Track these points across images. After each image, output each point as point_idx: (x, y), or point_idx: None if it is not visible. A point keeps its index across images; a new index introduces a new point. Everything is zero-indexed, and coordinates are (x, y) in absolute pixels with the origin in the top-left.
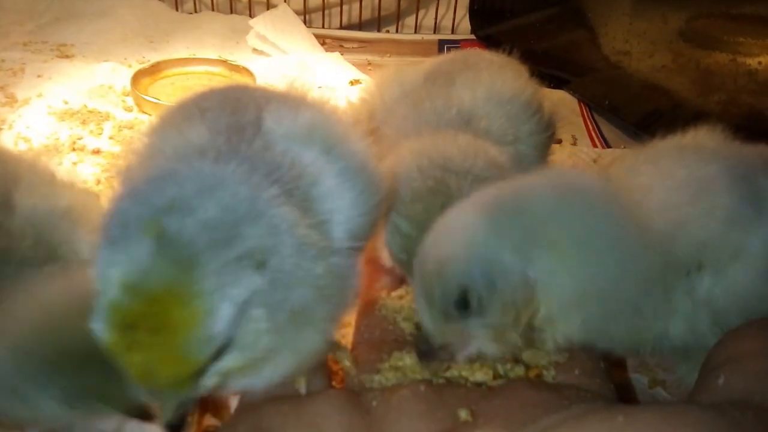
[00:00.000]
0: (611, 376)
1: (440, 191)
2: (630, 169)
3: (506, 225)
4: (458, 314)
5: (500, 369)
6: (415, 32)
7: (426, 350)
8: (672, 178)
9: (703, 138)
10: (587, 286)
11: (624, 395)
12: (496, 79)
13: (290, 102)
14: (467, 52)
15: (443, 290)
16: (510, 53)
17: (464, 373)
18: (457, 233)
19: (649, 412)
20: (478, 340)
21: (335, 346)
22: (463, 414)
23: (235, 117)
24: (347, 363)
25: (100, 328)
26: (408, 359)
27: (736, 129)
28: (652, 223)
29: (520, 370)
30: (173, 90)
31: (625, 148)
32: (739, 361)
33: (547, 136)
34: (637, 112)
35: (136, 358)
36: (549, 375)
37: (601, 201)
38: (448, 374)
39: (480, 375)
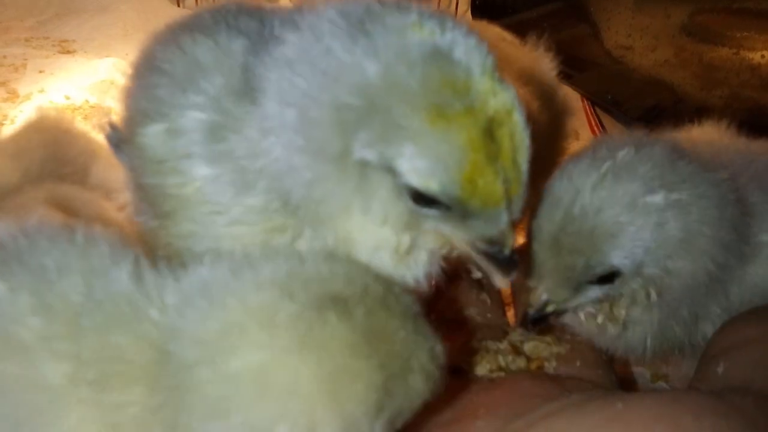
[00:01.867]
0: (612, 368)
1: None
2: None
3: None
4: (591, 284)
5: (502, 361)
6: None
7: (537, 317)
8: None
9: (710, 132)
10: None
11: (626, 389)
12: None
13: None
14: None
15: (589, 265)
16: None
17: (465, 366)
18: (613, 216)
19: (649, 398)
20: (591, 306)
21: None
22: None
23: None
24: None
25: None
26: None
27: (739, 124)
28: None
29: (521, 363)
30: None
31: None
32: (739, 349)
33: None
34: (640, 107)
35: None
36: (550, 367)
37: None
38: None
39: (481, 368)
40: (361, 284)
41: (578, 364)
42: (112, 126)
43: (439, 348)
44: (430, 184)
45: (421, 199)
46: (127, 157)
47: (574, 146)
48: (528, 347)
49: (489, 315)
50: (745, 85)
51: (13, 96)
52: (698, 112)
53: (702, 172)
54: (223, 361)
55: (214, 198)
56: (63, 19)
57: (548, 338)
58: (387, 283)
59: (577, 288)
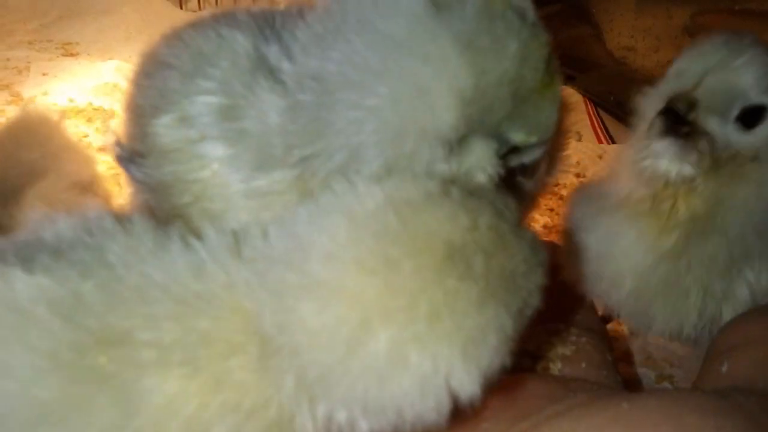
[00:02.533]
0: (617, 370)
1: None
2: None
3: None
4: (735, 123)
5: (506, 362)
6: None
7: (675, 118)
8: None
9: None
10: None
11: (631, 390)
12: None
13: None
14: None
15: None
16: None
17: None
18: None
19: (654, 398)
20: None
21: None
22: None
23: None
24: None
25: None
26: None
27: None
28: None
29: (527, 363)
30: None
31: None
32: (743, 348)
33: None
34: None
35: None
36: (555, 368)
37: None
38: None
39: None
40: (471, 217)
41: (583, 365)
42: (119, 143)
43: (544, 256)
44: (532, 139)
45: (513, 149)
46: (139, 167)
47: (577, 146)
48: (533, 348)
49: None
50: None
51: (16, 99)
52: None
53: None
54: (346, 354)
55: (233, 177)
56: (66, 21)
57: (553, 339)
58: (490, 198)
59: (726, 114)
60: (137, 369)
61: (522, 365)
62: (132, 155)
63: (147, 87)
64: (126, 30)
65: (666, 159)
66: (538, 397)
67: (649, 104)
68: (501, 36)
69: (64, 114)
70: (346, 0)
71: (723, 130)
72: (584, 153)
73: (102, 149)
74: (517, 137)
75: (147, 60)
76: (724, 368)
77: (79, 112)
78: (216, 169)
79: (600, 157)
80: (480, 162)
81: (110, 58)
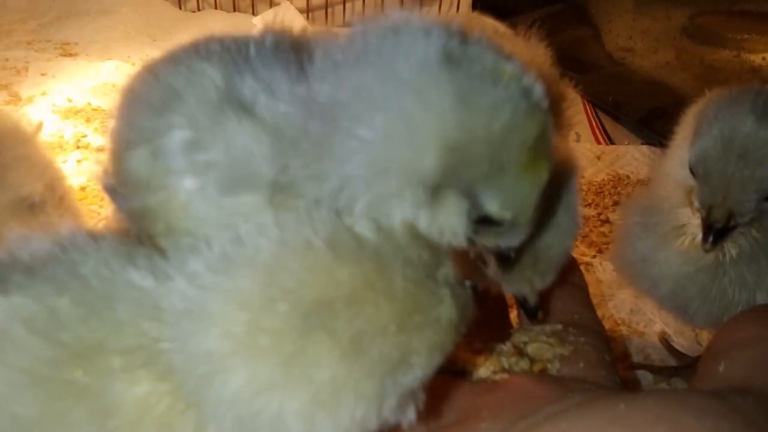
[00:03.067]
0: (615, 370)
1: None
2: None
3: None
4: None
5: (505, 363)
6: None
7: (724, 231)
8: None
9: None
10: None
11: (629, 390)
12: None
13: None
14: None
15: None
16: None
17: (468, 368)
18: None
19: (651, 399)
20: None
21: None
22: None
23: None
24: None
25: None
26: None
27: None
28: None
29: (524, 364)
30: None
31: (628, 144)
32: (739, 348)
33: None
34: (641, 109)
35: None
36: (553, 368)
37: None
38: (452, 369)
39: (484, 370)
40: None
41: (581, 365)
42: (106, 172)
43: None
44: (505, 214)
45: (485, 220)
46: (122, 197)
47: (575, 147)
48: (531, 349)
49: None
50: None
51: (15, 99)
52: None
53: None
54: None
55: (201, 207)
56: (65, 21)
57: (551, 339)
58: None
59: (759, 202)
60: (109, 377)
61: (520, 366)
62: (116, 185)
63: (123, 121)
64: (124, 30)
65: (709, 243)
66: (536, 398)
67: (676, 161)
68: (497, 102)
69: (40, 126)
70: (370, 34)
71: (758, 208)
72: (582, 153)
73: (101, 149)
74: (491, 206)
75: (125, 94)
76: (721, 368)
77: (77, 112)
78: (183, 200)
79: (598, 157)
80: (451, 218)
81: (109, 58)
